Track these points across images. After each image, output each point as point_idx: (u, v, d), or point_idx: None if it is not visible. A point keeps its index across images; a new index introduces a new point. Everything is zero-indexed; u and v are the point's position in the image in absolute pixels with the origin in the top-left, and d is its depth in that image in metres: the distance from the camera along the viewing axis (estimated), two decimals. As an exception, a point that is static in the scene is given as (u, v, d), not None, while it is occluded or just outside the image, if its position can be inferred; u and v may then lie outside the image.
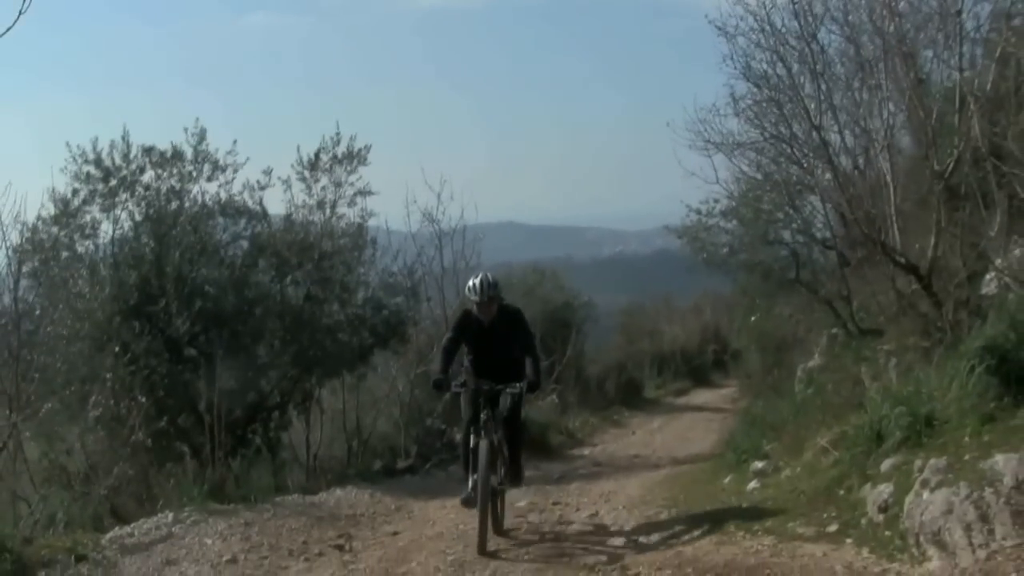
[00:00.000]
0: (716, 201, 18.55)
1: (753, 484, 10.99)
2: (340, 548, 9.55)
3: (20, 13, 5.35)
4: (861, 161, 12.62)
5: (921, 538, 7.05)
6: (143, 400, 12.20)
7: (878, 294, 13.18)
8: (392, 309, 15.71)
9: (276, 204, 15.27)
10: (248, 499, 11.36)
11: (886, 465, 8.41)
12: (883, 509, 7.87)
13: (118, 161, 13.89)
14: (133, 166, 13.96)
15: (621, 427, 23.28)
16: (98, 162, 13.79)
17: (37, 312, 13.18)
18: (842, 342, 15.01)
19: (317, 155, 15.18)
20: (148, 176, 14.13)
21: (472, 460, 9.19)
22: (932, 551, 6.90)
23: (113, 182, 13.87)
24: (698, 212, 19.35)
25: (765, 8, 12.01)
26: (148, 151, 14.04)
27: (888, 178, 11.37)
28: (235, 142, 14.67)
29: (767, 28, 12.07)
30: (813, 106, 11.81)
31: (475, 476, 9.04)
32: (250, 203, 14.85)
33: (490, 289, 9.35)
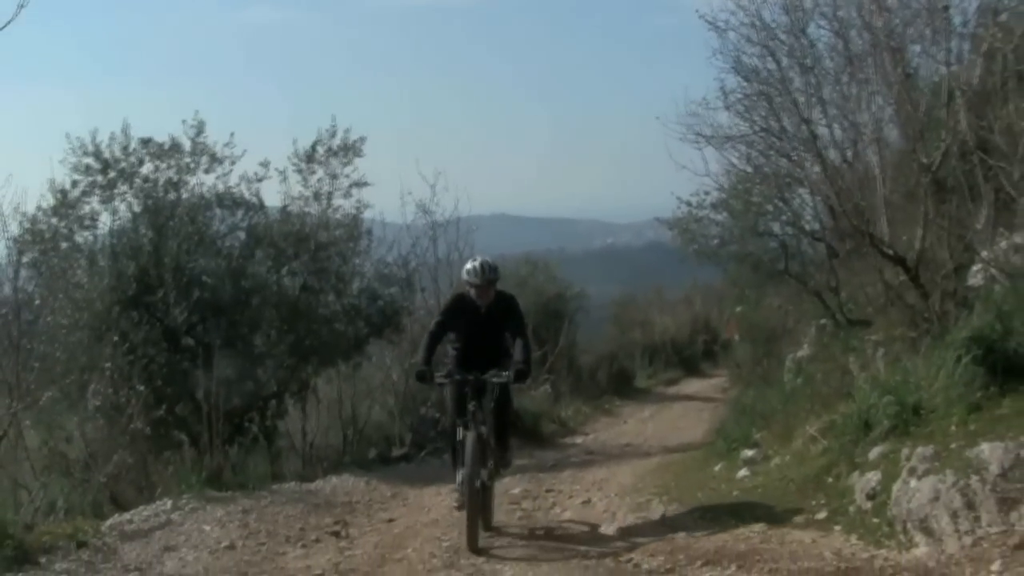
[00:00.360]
0: (707, 193, 18.60)
1: (743, 472, 11.09)
2: (336, 535, 9.62)
3: (21, 7, 5.46)
4: (849, 154, 12.60)
5: (908, 525, 7.15)
6: (142, 389, 12.23)
7: (866, 285, 13.20)
8: (387, 299, 15.80)
9: (273, 196, 15.36)
10: (246, 487, 11.47)
11: (874, 453, 8.51)
12: (871, 496, 7.97)
13: (117, 153, 13.98)
14: (132, 158, 14.05)
15: (613, 416, 23.25)
16: (97, 154, 13.88)
17: (37, 302, 13.23)
18: (831, 332, 14.98)
19: (313, 147, 15.25)
20: (146, 168, 14.23)
21: (459, 454, 8.96)
22: (919, 538, 7.01)
23: (112, 174, 13.95)
24: (689, 204, 19.38)
25: (755, 3, 12.10)
26: (146, 143, 14.13)
27: (876, 171, 11.38)
28: (232, 135, 14.78)
29: (757, 23, 12.16)
30: (802, 100, 11.87)
31: (462, 470, 8.78)
32: (247, 195, 14.94)
33: (490, 272, 9.03)
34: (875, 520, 7.71)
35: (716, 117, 13.72)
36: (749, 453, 11.73)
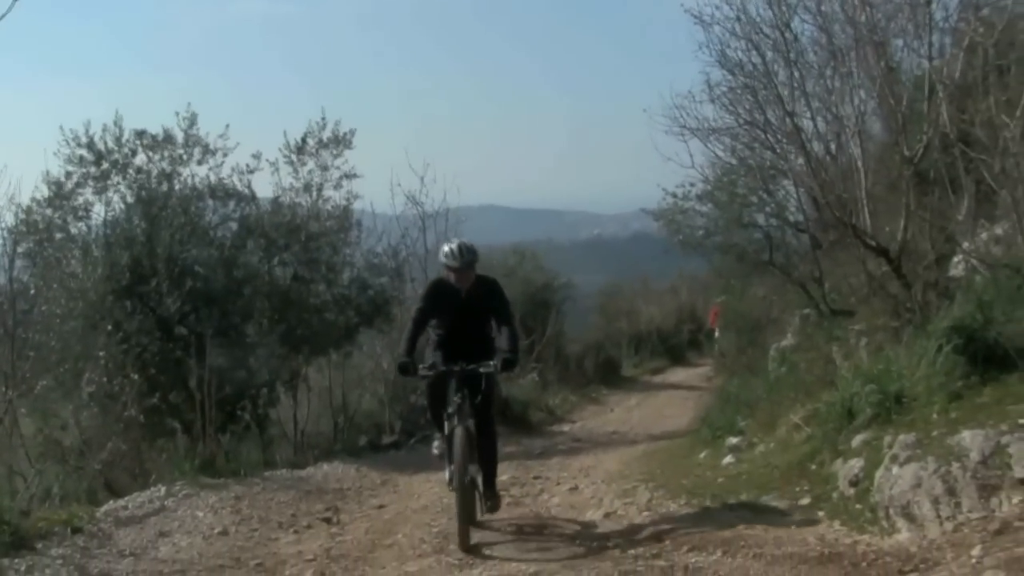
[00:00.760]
0: (692, 185, 18.63)
1: (728, 459, 11.17)
2: (328, 520, 9.73)
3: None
4: (833, 147, 12.60)
5: (891, 511, 7.19)
6: (135, 377, 12.35)
7: (849, 276, 13.15)
8: (377, 289, 15.96)
9: (264, 187, 15.49)
10: (238, 473, 11.57)
11: (857, 441, 8.54)
12: (854, 483, 8.02)
13: (110, 144, 14.11)
14: (125, 149, 14.19)
15: (599, 404, 23.40)
16: (91, 145, 14.01)
17: (32, 292, 13.36)
18: (814, 322, 14.97)
19: (304, 139, 15.39)
20: (140, 159, 14.38)
21: (448, 450, 8.48)
22: (901, 523, 7.05)
23: (105, 165, 14.09)
24: (674, 196, 19.45)
25: (740, -3, 12.19)
26: (140, 135, 14.24)
27: (859, 163, 11.40)
28: (227, 127, 14.91)
29: (742, 17, 12.14)
30: (787, 93, 11.86)
31: (451, 467, 8.31)
32: (239, 186, 15.07)
33: (468, 254, 8.44)
34: (858, 506, 7.74)
35: (701, 110, 13.71)
36: (734, 441, 11.83)
